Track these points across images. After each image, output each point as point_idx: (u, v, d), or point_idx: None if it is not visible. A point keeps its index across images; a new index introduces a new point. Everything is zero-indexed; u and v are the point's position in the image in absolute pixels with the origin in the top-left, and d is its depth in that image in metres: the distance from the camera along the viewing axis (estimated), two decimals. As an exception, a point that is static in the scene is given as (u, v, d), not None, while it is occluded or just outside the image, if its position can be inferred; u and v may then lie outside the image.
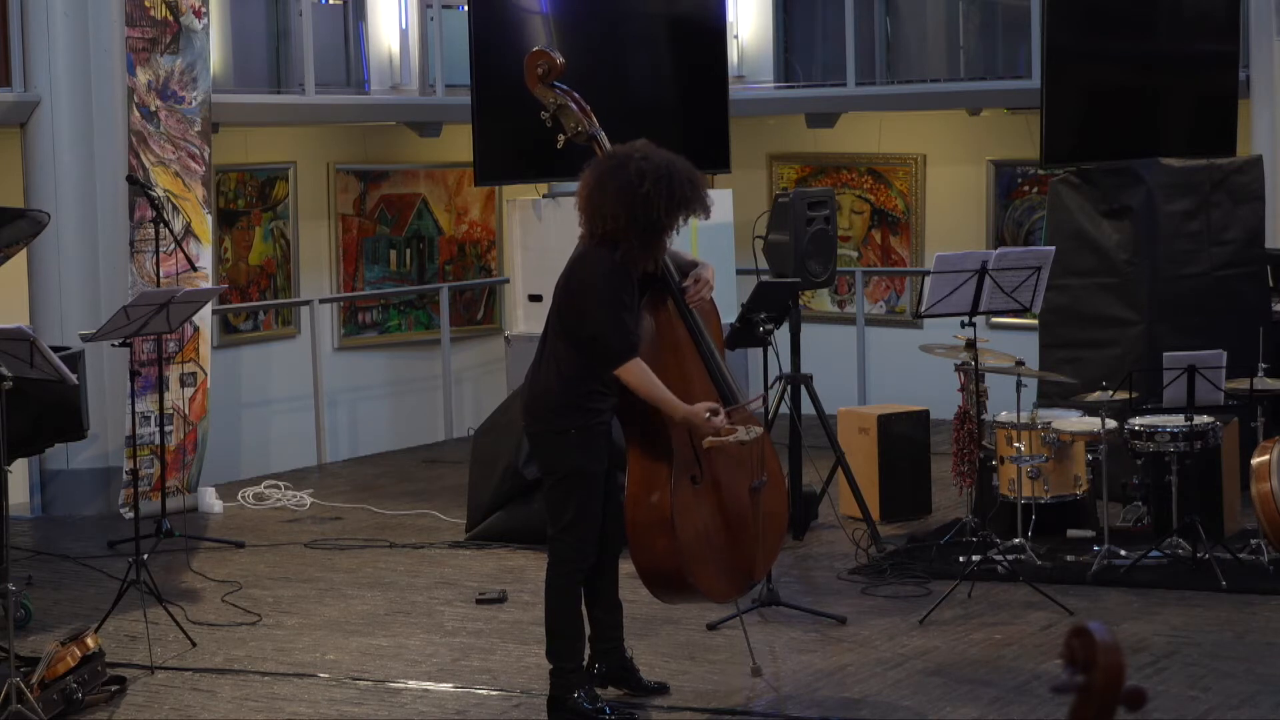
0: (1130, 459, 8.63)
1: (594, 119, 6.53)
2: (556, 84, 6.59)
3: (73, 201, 10.13)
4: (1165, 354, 8.24)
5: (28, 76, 10.17)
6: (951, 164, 13.28)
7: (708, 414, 6.04)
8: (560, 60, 6.61)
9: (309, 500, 10.57)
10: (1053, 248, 8.44)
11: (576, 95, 6.56)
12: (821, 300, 13.62)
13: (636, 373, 6.01)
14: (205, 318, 10.49)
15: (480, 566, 8.82)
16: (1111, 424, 8.43)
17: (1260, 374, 8.50)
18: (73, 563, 9.03)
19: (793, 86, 13.69)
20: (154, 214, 9.00)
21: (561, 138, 6.62)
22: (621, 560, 6.47)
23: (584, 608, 6.39)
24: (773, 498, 6.56)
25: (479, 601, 8.04)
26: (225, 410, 11.47)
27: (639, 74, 11.01)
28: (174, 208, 10.22)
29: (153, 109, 10.20)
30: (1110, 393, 8.29)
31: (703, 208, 6.08)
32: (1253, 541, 8.18)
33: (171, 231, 9.39)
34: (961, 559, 8.26)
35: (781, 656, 7.06)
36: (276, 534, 9.74)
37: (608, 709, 6.27)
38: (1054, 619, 7.47)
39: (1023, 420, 8.57)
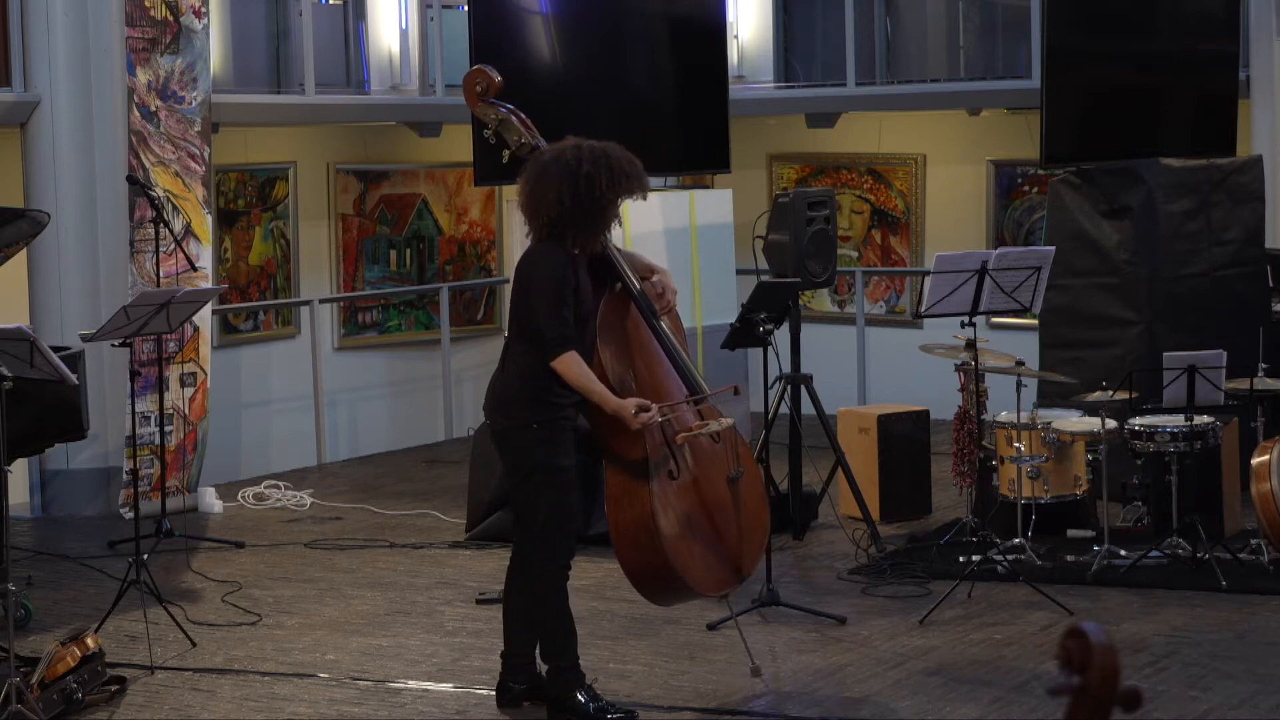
0: (1130, 459, 8.62)
1: (535, 132, 6.62)
2: (495, 100, 6.68)
3: (73, 201, 10.13)
4: (1165, 354, 8.24)
5: (28, 76, 10.17)
6: (951, 164, 13.28)
7: (635, 410, 6.07)
8: (498, 79, 6.73)
9: (309, 500, 10.57)
10: (1053, 248, 8.44)
11: (520, 112, 6.66)
12: (821, 300, 13.62)
13: (570, 364, 6.05)
14: (205, 318, 10.49)
15: (480, 566, 8.82)
16: (1111, 424, 8.43)
17: (1260, 374, 8.50)
18: (73, 563, 9.03)
19: (793, 86, 13.68)
20: (154, 214, 9.01)
21: (506, 153, 6.70)
22: (608, 561, 6.46)
23: (504, 620, 6.41)
24: (751, 489, 6.60)
25: (479, 601, 8.04)
26: (225, 410, 11.47)
27: (639, 74, 11.00)
28: (174, 208, 10.21)
29: (153, 109, 10.20)
30: (1110, 393, 8.29)
31: (641, 186, 6.18)
32: (1253, 541, 8.18)
33: (171, 231, 9.39)
34: (961, 559, 8.26)
35: (781, 656, 7.06)
36: (276, 534, 9.74)
37: (609, 709, 6.27)
38: (1054, 619, 7.46)
39: (1023, 420, 8.57)
